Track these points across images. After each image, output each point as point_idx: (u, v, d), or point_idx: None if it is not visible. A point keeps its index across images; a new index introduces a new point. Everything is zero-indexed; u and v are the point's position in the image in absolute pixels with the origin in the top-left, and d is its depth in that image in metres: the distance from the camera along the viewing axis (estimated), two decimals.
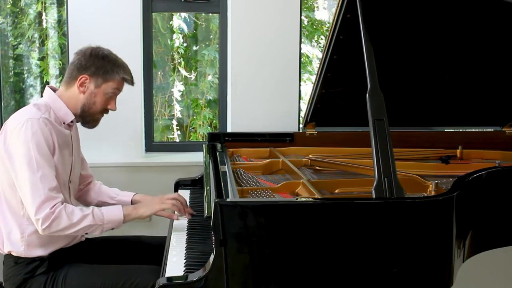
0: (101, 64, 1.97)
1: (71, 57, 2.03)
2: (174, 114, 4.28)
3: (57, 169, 1.92)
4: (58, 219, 1.82)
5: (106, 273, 1.92)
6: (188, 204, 2.26)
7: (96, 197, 2.28)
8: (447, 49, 2.36)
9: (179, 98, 4.28)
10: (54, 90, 2.02)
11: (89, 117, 2.03)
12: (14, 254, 1.93)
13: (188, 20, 4.24)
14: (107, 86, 1.99)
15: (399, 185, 1.62)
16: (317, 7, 4.96)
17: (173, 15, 4.10)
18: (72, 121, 2.01)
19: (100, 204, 2.29)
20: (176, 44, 4.18)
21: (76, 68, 1.98)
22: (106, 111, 2.05)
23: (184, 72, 4.24)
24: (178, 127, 4.28)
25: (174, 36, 4.15)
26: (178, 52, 4.23)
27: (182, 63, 4.27)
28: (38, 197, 1.81)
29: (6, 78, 3.68)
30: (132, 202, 2.26)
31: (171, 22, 4.17)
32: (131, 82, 2.06)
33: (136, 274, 1.90)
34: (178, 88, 4.26)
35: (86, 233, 1.91)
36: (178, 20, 4.16)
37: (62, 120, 1.99)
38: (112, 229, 1.95)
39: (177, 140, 4.20)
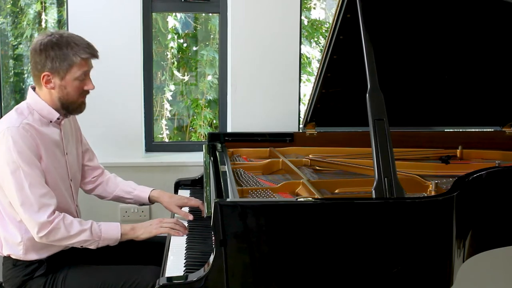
0: (53, 55, 1.85)
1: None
2: (163, 114, 4.27)
3: (49, 173, 1.90)
4: (55, 230, 1.82)
5: (106, 274, 1.92)
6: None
7: (112, 191, 2.25)
8: (447, 49, 2.36)
9: (170, 98, 4.27)
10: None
11: (71, 105, 1.95)
12: (13, 257, 1.93)
13: (185, 20, 4.23)
14: (71, 74, 1.88)
15: (399, 185, 1.62)
16: (314, 7, 4.96)
17: (169, 15, 4.10)
18: (58, 118, 1.96)
19: (116, 199, 2.27)
20: (171, 44, 4.18)
21: (34, 68, 1.90)
22: (85, 92, 1.96)
23: (177, 73, 4.23)
24: (166, 127, 4.27)
25: (169, 36, 4.15)
26: (172, 53, 4.23)
27: (175, 63, 4.26)
28: (30, 207, 1.80)
29: (6, 78, 3.68)
30: (150, 199, 2.23)
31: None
32: (93, 55, 1.92)
33: (136, 274, 1.90)
34: (169, 88, 4.25)
35: (81, 246, 1.90)
36: (174, 21, 4.15)
37: (49, 119, 1.94)
38: (107, 245, 1.93)
39: (166, 140, 4.20)
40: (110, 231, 1.92)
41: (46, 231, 1.80)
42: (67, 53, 1.86)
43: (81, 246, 1.91)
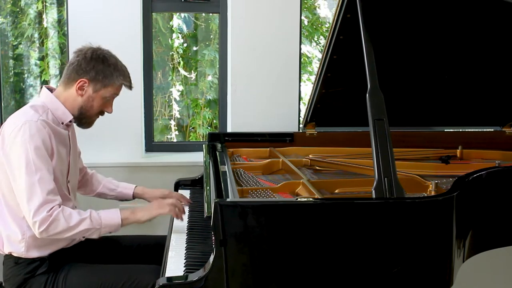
0: (101, 69, 1.95)
1: (71, 56, 2.01)
2: (172, 114, 4.28)
3: (56, 171, 1.91)
4: (55, 222, 1.81)
5: (106, 273, 1.92)
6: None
7: (96, 188, 2.30)
8: (447, 49, 2.36)
9: (177, 98, 4.28)
10: (51, 90, 2.01)
11: (85, 119, 2.02)
12: (14, 254, 1.93)
13: (187, 19, 4.24)
14: (105, 91, 1.97)
15: (399, 185, 1.62)
16: (318, 6, 4.97)
17: (173, 15, 4.10)
18: (70, 121, 2.00)
19: (98, 196, 2.32)
20: (176, 44, 4.18)
21: (75, 70, 1.95)
22: (102, 113, 2.05)
23: (183, 72, 4.24)
24: (176, 127, 4.28)
25: (174, 36, 4.15)
26: (177, 52, 4.23)
27: (181, 63, 4.27)
28: (36, 200, 1.80)
29: (6, 78, 3.68)
30: (134, 196, 2.28)
31: (171, 22, 4.17)
32: (130, 87, 2.05)
33: (136, 274, 1.90)
34: (177, 88, 4.26)
35: (83, 237, 1.91)
36: (178, 20, 4.16)
37: (61, 120, 1.98)
38: (110, 233, 1.94)
39: (175, 140, 4.20)
40: (110, 218, 1.91)
41: (46, 225, 1.80)
42: (112, 73, 1.97)
43: (83, 237, 1.91)
